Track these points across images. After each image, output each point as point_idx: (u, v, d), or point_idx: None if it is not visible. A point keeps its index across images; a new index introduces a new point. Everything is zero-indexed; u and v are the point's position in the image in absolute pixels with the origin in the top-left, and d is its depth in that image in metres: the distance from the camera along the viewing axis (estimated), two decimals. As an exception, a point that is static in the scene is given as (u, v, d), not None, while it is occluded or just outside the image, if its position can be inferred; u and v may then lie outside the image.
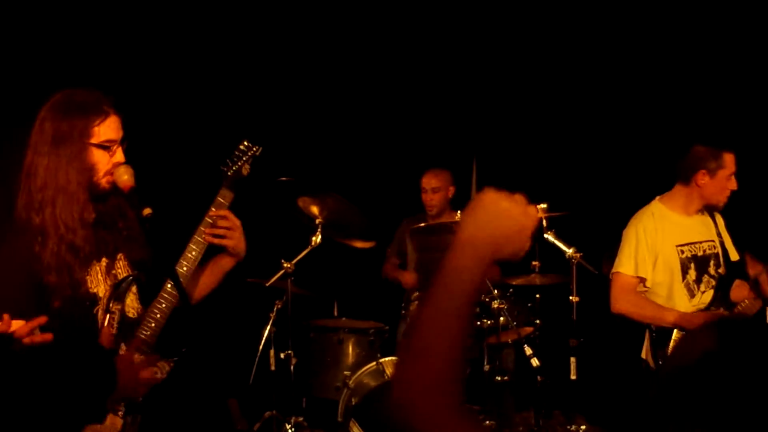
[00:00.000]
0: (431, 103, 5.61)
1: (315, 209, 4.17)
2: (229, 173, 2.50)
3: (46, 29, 4.28)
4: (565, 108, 5.47)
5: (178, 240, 2.42)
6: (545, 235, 4.05)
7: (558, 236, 4.07)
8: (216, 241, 2.44)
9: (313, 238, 4.11)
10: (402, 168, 5.44)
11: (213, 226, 2.43)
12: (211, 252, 2.53)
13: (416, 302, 4.40)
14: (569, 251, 4.01)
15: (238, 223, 2.46)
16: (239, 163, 2.51)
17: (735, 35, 4.91)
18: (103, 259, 2.32)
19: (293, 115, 5.33)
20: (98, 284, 2.29)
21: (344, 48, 5.36)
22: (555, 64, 5.40)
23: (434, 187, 4.87)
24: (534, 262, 4.44)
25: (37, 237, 2.20)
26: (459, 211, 4.14)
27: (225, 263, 2.54)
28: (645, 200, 4.72)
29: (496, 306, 3.90)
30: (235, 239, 2.47)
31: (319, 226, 4.13)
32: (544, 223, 4.05)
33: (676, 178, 3.73)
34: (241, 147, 2.54)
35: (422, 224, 4.52)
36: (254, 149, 2.55)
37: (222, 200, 2.47)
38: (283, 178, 3.86)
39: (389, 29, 5.31)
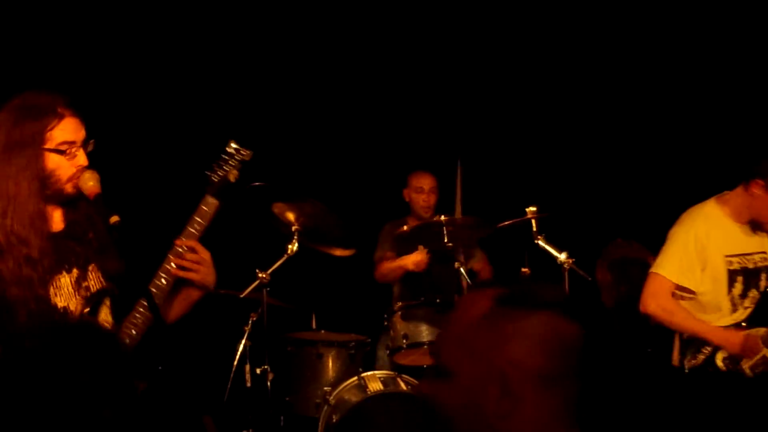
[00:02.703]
0: (412, 103, 5.74)
1: (291, 216, 4.29)
2: (214, 179, 2.52)
3: (15, 26, 4.42)
4: (550, 108, 5.63)
5: (155, 251, 2.47)
6: (536, 241, 4.21)
7: (548, 241, 4.21)
8: (182, 273, 2.45)
9: (290, 247, 4.21)
10: (381, 172, 5.57)
11: (181, 257, 2.46)
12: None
13: (399, 313, 4.49)
14: (561, 257, 4.14)
15: (207, 256, 2.47)
16: (226, 168, 2.53)
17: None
18: (74, 271, 2.38)
19: (267, 115, 5.44)
20: (68, 297, 2.35)
21: (324, 47, 5.50)
22: (540, 64, 5.55)
23: (432, 187, 5.01)
24: (523, 269, 4.57)
25: None
26: (442, 215, 4.46)
27: (192, 294, 2.55)
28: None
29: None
30: (202, 273, 2.47)
31: (296, 233, 4.24)
32: (534, 227, 4.20)
33: (740, 178, 3.62)
34: (229, 150, 2.55)
35: (404, 228, 4.65)
36: (243, 153, 2.55)
37: (206, 208, 2.48)
38: (257, 183, 3.93)
39: (371, 29, 5.45)
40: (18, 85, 2.47)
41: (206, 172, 2.51)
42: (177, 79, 5.18)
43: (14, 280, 2.24)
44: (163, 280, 2.41)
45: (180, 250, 2.43)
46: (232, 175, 2.51)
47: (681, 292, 3.63)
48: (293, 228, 4.24)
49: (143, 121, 4.99)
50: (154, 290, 2.40)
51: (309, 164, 5.54)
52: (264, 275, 4.16)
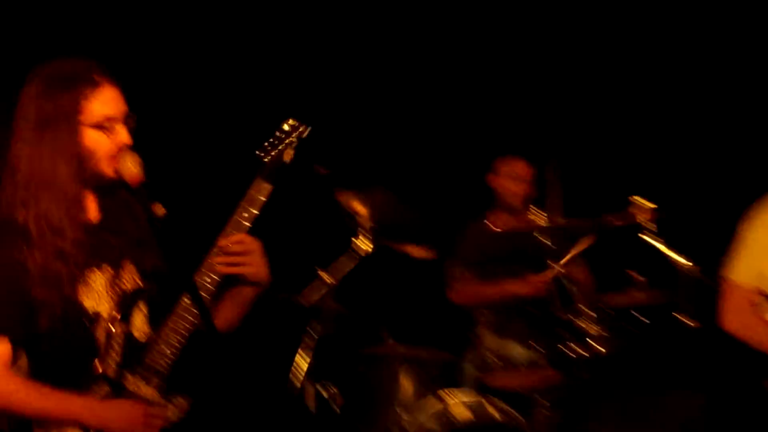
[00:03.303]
0: (502, 88, 5.48)
1: (359, 206, 3.96)
2: (266, 159, 2.38)
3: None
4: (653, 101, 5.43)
5: (198, 245, 2.33)
6: (655, 243, 3.84)
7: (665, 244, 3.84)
8: (231, 270, 2.34)
9: (357, 243, 3.85)
10: (466, 160, 5.27)
11: (227, 249, 2.33)
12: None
13: (488, 325, 4.28)
14: (685, 263, 3.74)
15: (255, 246, 2.35)
16: (280, 147, 2.39)
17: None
18: (107, 267, 2.28)
19: (333, 91, 5.11)
20: (99, 299, 2.24)
21: (404, 19, 5.26)
22: (637, 55, 5.38)
23: (529, 176, 4.64)
24: (636, 276, 4.13)
25: (21, 242, 2.16)
26: (540, 213, 4.24)
27: (245, 292, 2.44)
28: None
29: (590, 331, 3.76)
30: (253, 265, 2.36)
31: (364, 227, 3.89)
32: (653, 228, 3.87)
33: None
34: (284, 127, 2.43)
35: (496, 227, 4.37)
36: (300, 129, 2.43)
37: (256, 194, 2.34)
38: (320, 169, 3.65)
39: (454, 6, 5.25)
40: (44, 54, 2.34)
41: (257, 152, 2.39)
42: (224, 45, 4.87)
43: (41, 277, 2.14)
44: (207, 278, 2.29)
45: (226, 242, 2.32)
46: (287, 155, 2.39)
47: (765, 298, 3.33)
48: (361, 221, 3.89)
49: (185, 94, 4.73)
50: (204, 279, 2.30)
51: (381, 147, 5.22)
52: (328, 277, 3.82)
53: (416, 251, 4.10)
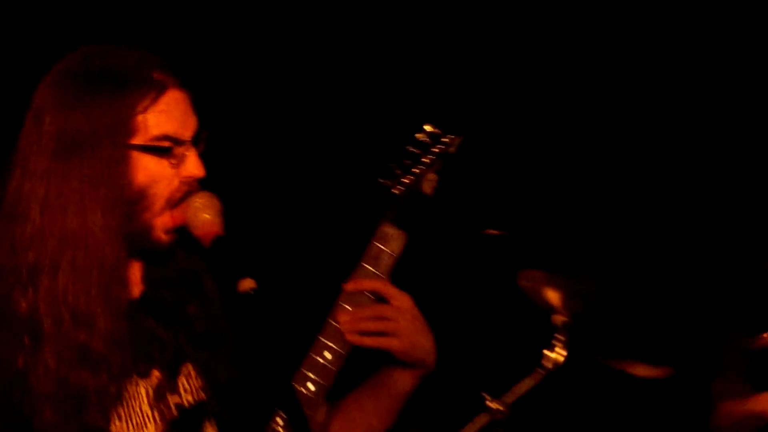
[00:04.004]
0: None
1: (553, 296, 3.21)
2: (395, 191, 1.99)
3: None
4: None
5: (301, 337, 1.94)
6: None
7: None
8: (368, 341, 1.95)
9: (547, 354, 3.04)
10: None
11: (359, 307, 1.99)
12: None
13: None
14: None
15: (405, 303, 1.94)
16: (416, 171, 1.98)
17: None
18: (154, 374, 1.87)
19: (502, 101, 3.95)
20: (141, 424, 1.86)
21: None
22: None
23: None
24: None
25: (24, 335, 1.76)
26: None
27: (397, 382, 2.02)
28: None
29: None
30: (405, 334, 1.95)
31: (560, 329, 3.09)
32: None
33: None
34: (420, 138, 2.00)
35: None
36: (447, 141, 1.99)
37: (382, 247, 1.96)
38: (491, 231, 3.05)
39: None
40: (71, 40, 1.91)
41: (380, 180, 2.00)
42: (332, 33, 3.93)
43: (53, 394, 1.73)
44: (325, 356, 1.92)
45: (358, 285, 1.97)
46: (428, 184, 1.99)
47: None
48: (556, 318, 3.12)
49: (272, 101, 3.78)
50: (308, 385, 1.91)
51: (584, 196, 3.98)
52: (498, 405, 2.97)
53: (642, 369, 3.34)
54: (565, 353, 3.02)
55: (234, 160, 2.35)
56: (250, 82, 3.75)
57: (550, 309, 3.16)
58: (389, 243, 1.99)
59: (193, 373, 1.94)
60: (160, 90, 1.81)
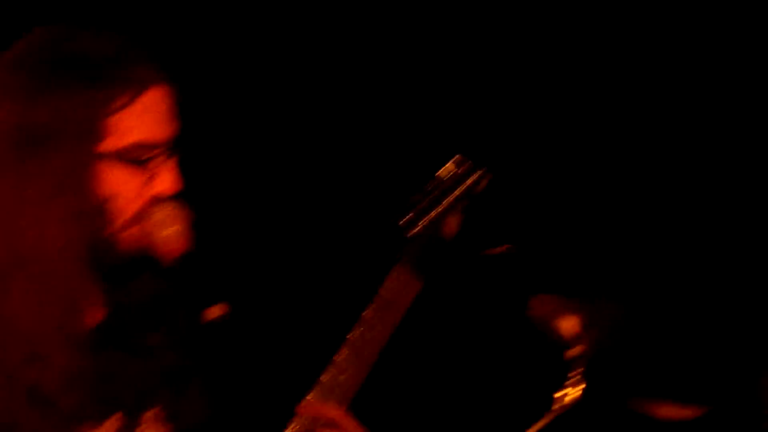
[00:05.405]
0: None
1: (570, 326, 2.64)
2: (410, 234, 1.97)
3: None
4: None
5: (280, 371, 2.06)
6: None
7: None
8: None
9: (563, 394, 2.67)
10: None
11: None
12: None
13: None
14: None
15: None
16: (438, 211, 1.95)
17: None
18: (113, 418, 1.80)
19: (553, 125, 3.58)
20: None
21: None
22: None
23: None
24: None
25: None
26: None
27: None
28: None
29: None
30: None
31: (575, 362, 2.66)
32: None
33: None
34: (444, 173, 1.97)
35: None
36: (476, 177, 1.97)
37: (396, 296, 1.99)
38: (494, 249, 2.68)
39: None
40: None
41: (397, 222, 1.94)
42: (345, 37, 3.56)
43: None
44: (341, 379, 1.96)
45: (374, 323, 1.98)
46: (451, 226, 1.98)
47: None
48: (573, 353, 2.67)
49: (270, 106, 3.49)
50: None
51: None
52: None
53: (668, 409, 2.90)
54: (580, 392, 2.57)
55: (221, 163, 2.36)
56: (250, 83, 3.52)
57: (564, 341, 2.89)
58: (404, 288, 1.98)
59: (159, 414, 1.86)
60: (139, 87, 1.69)
